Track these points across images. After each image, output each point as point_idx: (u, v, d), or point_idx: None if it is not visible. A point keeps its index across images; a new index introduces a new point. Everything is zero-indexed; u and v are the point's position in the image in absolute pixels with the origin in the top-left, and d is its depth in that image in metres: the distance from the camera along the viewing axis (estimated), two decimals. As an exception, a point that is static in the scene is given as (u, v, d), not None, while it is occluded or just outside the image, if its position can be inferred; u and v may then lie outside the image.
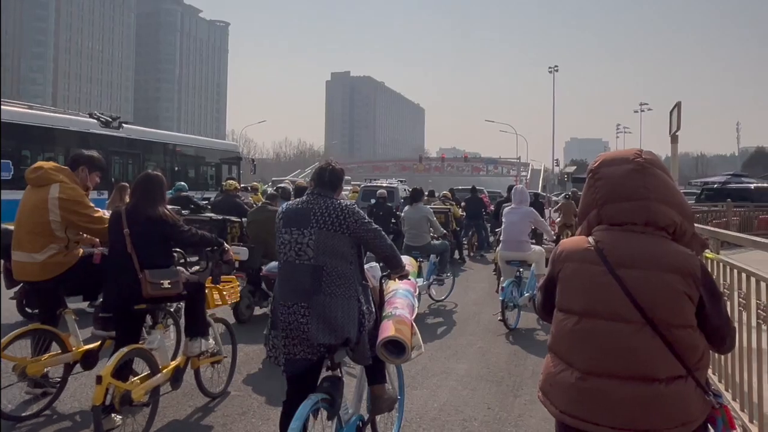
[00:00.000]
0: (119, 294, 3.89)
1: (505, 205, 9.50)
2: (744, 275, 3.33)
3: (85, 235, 4.35)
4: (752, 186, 24.32)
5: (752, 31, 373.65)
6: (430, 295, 8.50)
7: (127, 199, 7.21)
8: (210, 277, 4.48)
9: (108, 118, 16.71)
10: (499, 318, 6.94)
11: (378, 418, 3.57)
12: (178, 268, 4.14)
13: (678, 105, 10.27)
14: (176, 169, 19.70)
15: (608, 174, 1.95)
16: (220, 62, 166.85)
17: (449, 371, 5.33)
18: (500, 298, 6.91)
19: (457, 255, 13.26)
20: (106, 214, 4.45)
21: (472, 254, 14.77)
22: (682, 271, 1.79)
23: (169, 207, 4.18)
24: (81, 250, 4.27)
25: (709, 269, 3.88)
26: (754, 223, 17.58)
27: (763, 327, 3.03)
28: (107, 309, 4.26)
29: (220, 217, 9.07)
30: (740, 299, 3.39)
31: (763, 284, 3.02)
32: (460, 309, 8.21)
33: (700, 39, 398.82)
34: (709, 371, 4.02)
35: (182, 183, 12.73)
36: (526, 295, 7.16)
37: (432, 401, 4.56)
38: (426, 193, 12.88)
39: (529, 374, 5.25)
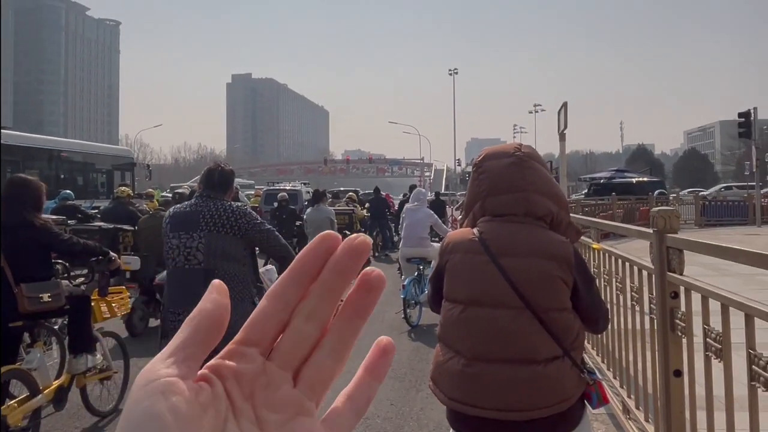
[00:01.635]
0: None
1: (407, 205, 9.66)
2: (620, 261, 3.57)
3: None
4: (634, 180, 26.37)
5: (635, 34, 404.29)
6: (335, 296, 8.48)
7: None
8: (96, 289, 4.22)
9: None
10: (401, 316, 7.04)
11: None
12: (59, 280, 3.86)
13: (564, 105, 10.88)
14: (62, 176, 18.48)
15: (490, 167, 2.02)
16: (111, 63, 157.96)
17: (353, 370, 5.23)
18: (401, 296, 7.01)
19: (362, 255, 13.32)
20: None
21: (377, 254, 14.91)
22: (557, 258, 1.88)
23: (50, 216, 3.89)
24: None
25: (592, 258, 4.14)
26: (635, 214, 18.99)
27: (637, 308, 3.26)
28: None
29: (111, 226, 8.59)
30: (618, 283, 3.63)
31: (635, 268, 3.25)
32: (365, 308, 8.24)
33: (587, 42, 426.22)
34: (593, 351, 4.28)
35: (68, 191, 11.93)
36: (427, 291, 7.29)
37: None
38: (329, 195, 12.88)
39: (430, 369, 5.36)
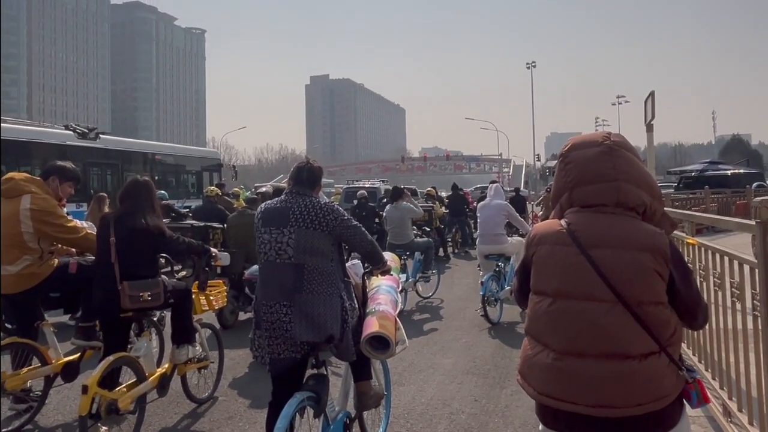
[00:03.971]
0: (102, 303, 3.85)
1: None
2: (718, 255, 3.39)
3: (60, 245, 4.30)
4: (729, 173, 24.69)
5: (726, 19, 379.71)
6: (416, 292, 8.55)
7: (106, 210, 7.18)
8: (196, 283, 4.46)
9: (84, 130, 16.55)
10: (480, 313, 6.98)
11: (365, 414, 3.58)
12: (162, 277, 4.10)
13: (652, 94, 10.40)
14: (156, 177, 19.51)
15: (578, 157, 1.98)
16: (198, 69, 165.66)
17: (436, 366, 5.36)
18: (480, 293, 6.95)
19: (441, 252, 13.33)
20: (84, 224, 4.41)
21: (456, 251, 14.84)
22: (651, 249, 1.82)
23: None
24: (56, 261, 4.22)
25: (687, 253, 3.95)
26: (731, 208, 17.83)
27: (738, 306, 3.09)
28: (90, 317, 4.22)
29: (202, 224, 9.03)
30: (715, 279, 3.45)
31: (735, 263, 3.08)
32: (446, 305, 8.26)
33: (674, 29, 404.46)
34: (689, 351, 4.08)
35: (162, 192, 12.61)
36: (507, 288, 7.19)
37: (419, 396, 4.58)
38: (408, 193, 12.92)
39: (514, 366, 5.29)
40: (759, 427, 2.77)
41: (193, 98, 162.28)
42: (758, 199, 2.56)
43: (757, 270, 2.63)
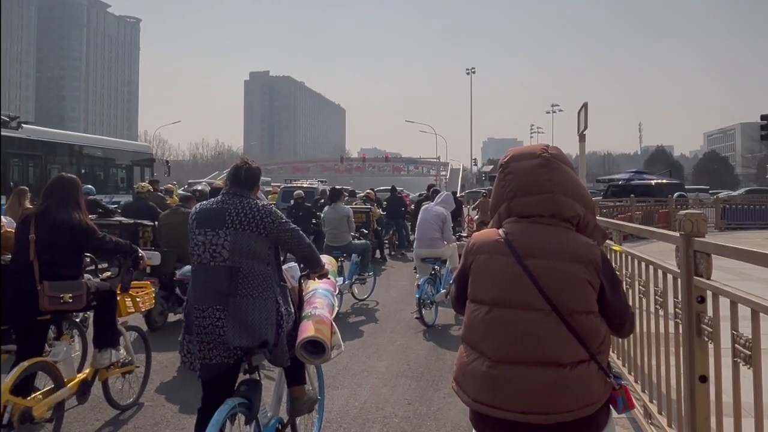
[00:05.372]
0: (17, 305, 3.62)
1: (424, 203, 9.67)
2: (644, 264, 3.54)
3: None
4: (653, 182, 26.03)
5: (654, 36, 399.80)
6: (352, 294, 8.53)
7: (28, 205, 6.78)
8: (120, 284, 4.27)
9: (5, 118, 15.61)
10: (416, 316, 7.02)
11: (298, 419, 3.53)
12: (86, 277, 3.90)
13: (585, 105, 10.81)
14: (83, 171, 18.67)
15: (517, 168, 2.01)
16: (131, 59, 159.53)
17: (370, 369, 5.35)
18: (416, 296, 7.00)
19: (378, 254, 13.36)
20: (2, 220, 4.15)
21: (392, 253, 14.92)
22: (584, 260, 1.87)
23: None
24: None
25: (614, 260, 4.10)
26: (655, 216, 18.78)
27: (660, 312, 3.23)
28: (4, 320, 3.96)
29: (131, 221, 8.69)
30: (640, 287, 3.59)
31: (660, 271, 3.22)
32: (382, 307, 8.27)
33: (607, 43, 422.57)
34: (613, 355, 4.24)
35: (89, 186, 12.07)
36: (443, 291, 7.28)
37: (353, 400, 4.55)
38: (346, 194, 12.89)
39: (447, 369, 5.36)
40: (677, 429, 2.90)
41: (125, 89, 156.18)
42: (683, 212, 2.68)
43: (679, 279, 2.75)
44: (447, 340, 6.39)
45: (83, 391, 3.83)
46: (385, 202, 16.27)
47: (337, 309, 3.62)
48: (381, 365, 5.48)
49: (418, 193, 29.90)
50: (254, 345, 2.88)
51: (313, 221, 12.21)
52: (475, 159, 75.10)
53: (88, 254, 4.09)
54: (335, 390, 4.72)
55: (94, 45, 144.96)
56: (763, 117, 21.28)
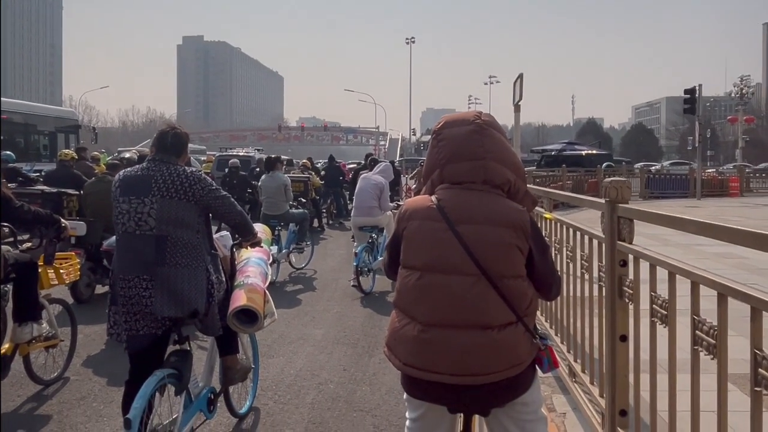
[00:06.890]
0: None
1: (362, 172, 9.66)
2: (572, 230, 3.66)
3: None
4: (583, 153, 26.98)
5: (588, 10, 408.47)
6: (290, 263, 8.48)
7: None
8: (42, 255, 4.05)
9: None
10: (353, 284, 7.06)
11: (232, 389, 3.49)
12: (4, 249, 3.68)
13: (520, 76, 10.95)
14: (1, 138, 17.54)
15: (450, 135, 2.01)
16: (53, 21, 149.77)
17: (306, 337, 5.35)
18: (354, 264, 7.03)
19: (316, 223, 13.30)
20: None
21: (330, 222, 14.88)
22: (513, 225, 1.90)
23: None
24: None
25: (544, 227, 4.22)
26: (585, 185, 19.48)
27: (586, 276, 3.36)
28: None
29: (55, 191, 8.26)
30: (568, 252, 3.72)
31: (586, 237, 3.33)
32: (319, 276, 8.26)
33: (542, 14, 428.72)
34: (541, 317, 4.40)
35: (8, 153, 11.40)
36: (380, 259, 7.33)
37: (288, 368, 4.55)
38: (284, 162, 12.69)
39: (383, 335, 5.34)
40: (599, 386, 3.05)
41: (47, 52, 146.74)
42: (608, 180, 2.76)
43: (604, 244, 2.86)
44: (384, 307, 6.45)
45: (2, 366, 3.65)
46: (323, 172, 16.15)
47: (271, 278, 3.57)
48: (317, 333, 5.49)
49: (356, 162, 29.85)
50: (183, 315, 2.81)
51: (249, 190, 11.98)
52: (413, 129, 75.47)
53: (5, 225, 3.84)
54: (270, 358, 4.70)
55: (12, 4, 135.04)
56: (686, 91, 22.28)
